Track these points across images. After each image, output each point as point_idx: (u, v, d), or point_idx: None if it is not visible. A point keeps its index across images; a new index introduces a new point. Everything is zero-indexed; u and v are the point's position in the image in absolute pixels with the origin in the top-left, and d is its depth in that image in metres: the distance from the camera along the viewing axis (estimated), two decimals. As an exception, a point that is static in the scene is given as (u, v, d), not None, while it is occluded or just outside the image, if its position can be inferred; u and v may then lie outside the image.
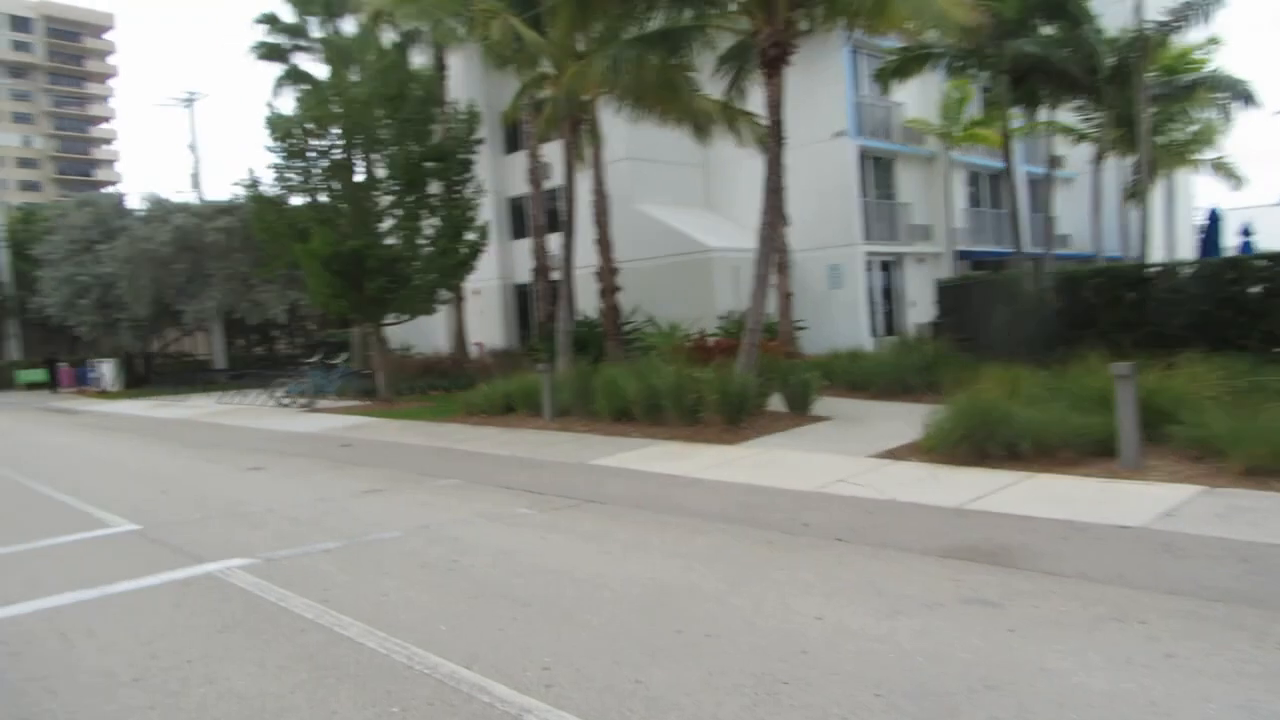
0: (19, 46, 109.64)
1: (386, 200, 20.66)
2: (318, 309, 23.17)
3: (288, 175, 20.47)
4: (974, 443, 9.16)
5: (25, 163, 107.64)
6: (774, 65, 13.51)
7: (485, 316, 29.00)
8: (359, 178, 20.33)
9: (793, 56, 13.70)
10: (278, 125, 20.01)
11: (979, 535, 6.58)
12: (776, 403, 13.67)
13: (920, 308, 24.85)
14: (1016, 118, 24.05)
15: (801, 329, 22.19)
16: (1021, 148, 27.66)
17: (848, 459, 9.97)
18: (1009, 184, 22.63)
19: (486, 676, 4.31)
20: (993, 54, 20.69)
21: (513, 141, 28.62)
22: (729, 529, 7.24)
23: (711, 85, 17.34)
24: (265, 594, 5.92)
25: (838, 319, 24.07)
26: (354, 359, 25.91)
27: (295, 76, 26.43)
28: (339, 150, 20.17)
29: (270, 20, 26.47)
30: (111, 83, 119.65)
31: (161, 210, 32.25)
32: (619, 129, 22.45)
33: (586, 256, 21.44)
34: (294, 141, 20.14)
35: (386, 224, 20.76)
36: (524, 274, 27.78)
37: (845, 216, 24.20)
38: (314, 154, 20.12)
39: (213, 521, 8.54)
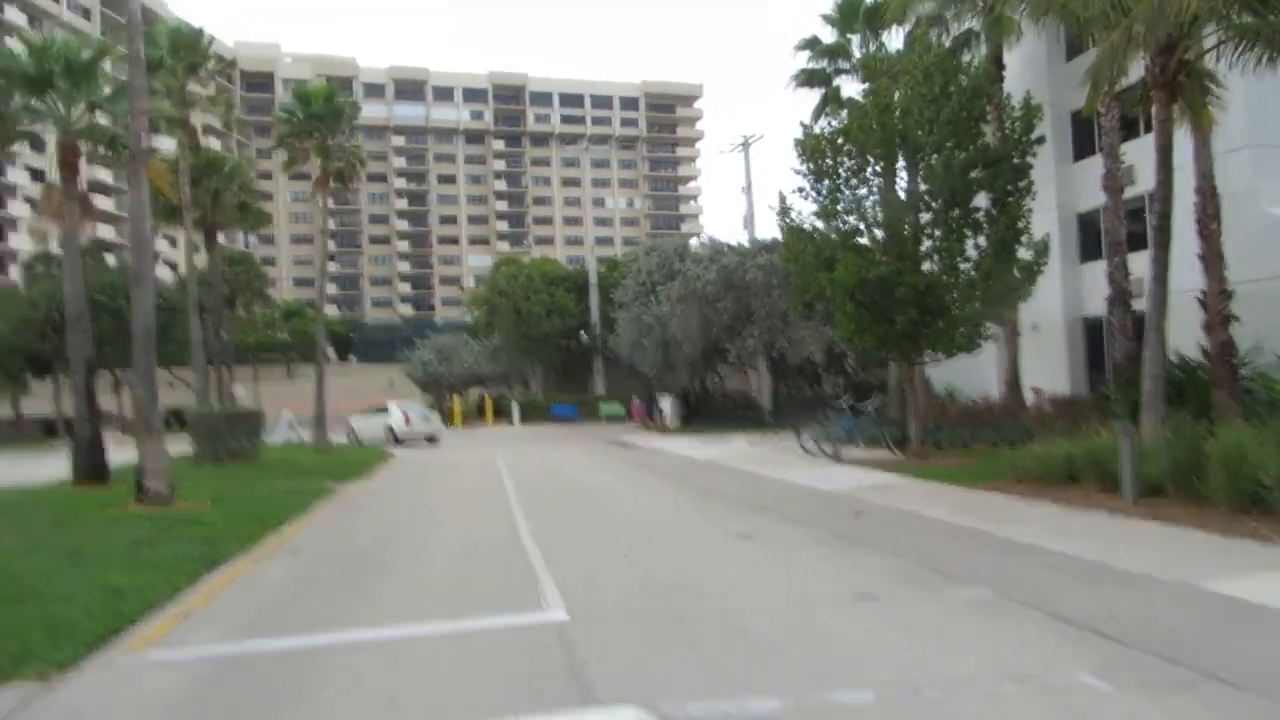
0: (627, 123, 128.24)
1: (924, 219, 17.92)
2: (847, 345, 21.10)
3: (816, 199, 18.80)
4: None
5: (627, 221, 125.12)
6: None
7: (1044, 357, 24.47)
8: (893, 194, 17.88)
9: None
10: (807, 145, 18.46)
11: None
12: None
13: None
14: None
15: None
16: None
17: None
18: None
19: None
20: None
21: (1084, 146, 23.84)
22: None
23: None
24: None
25: None
26: (889, 403, 23.40)
27: (834, 100, 25.04)
28: (871, 165, 17.95)
29: (811, 45, 25.47)
30: (699, 144, 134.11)
31: (711, 251, 33.26)
32: (1235, 104, 16.99)
33: (1184, 278, 16.25)
34: (824, 162, 18.41)
35: (922, 248, 17.98)
36: (1096, 304, 22.80)
37: None
38: (844, 173, 18.15)
39: (648, 621, 6.55)
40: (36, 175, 72.99)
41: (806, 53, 25.76)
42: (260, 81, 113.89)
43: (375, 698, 5.10)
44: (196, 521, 11.66)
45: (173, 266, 78.40)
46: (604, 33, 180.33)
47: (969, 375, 25.67)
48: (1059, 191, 23.88)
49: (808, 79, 25.92)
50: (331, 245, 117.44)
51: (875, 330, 17.44)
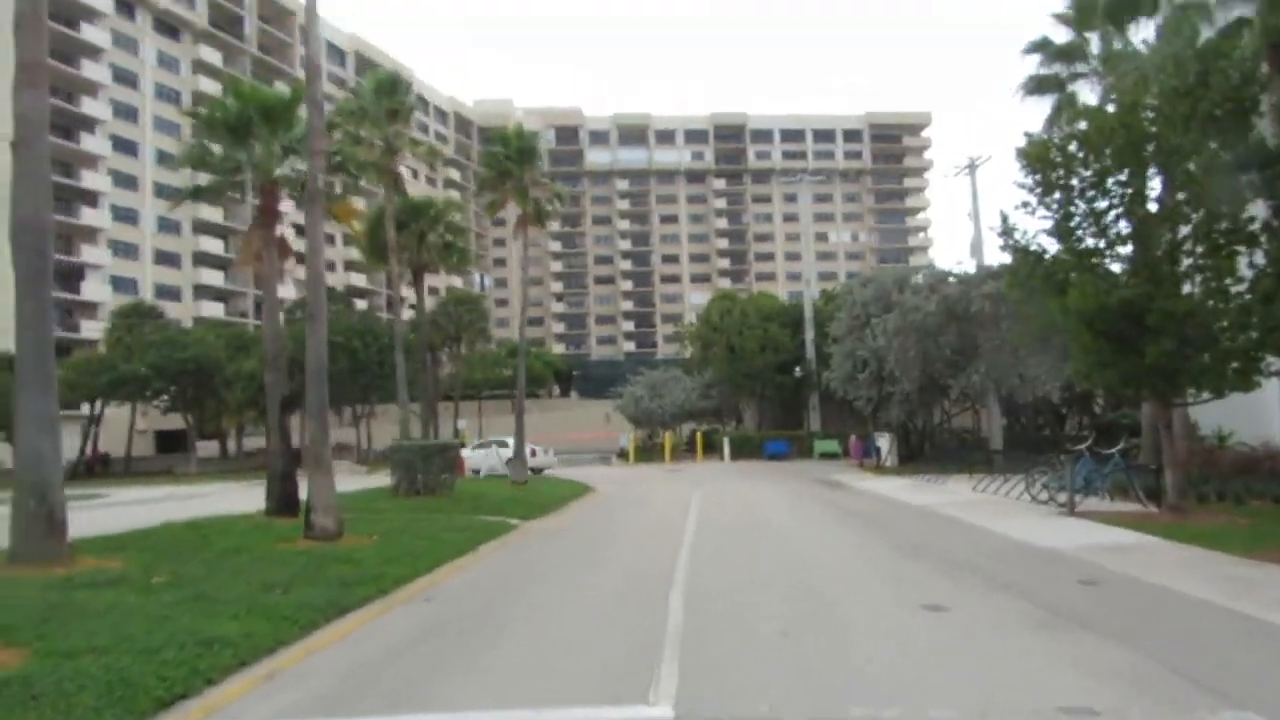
0: (850, 155, 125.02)
1: (1182, 233, 15.14)
2: (1083, 383, 18.32)
3: (1046, 215, 16.42)
4: None
5: (852, 255, 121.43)
6: None
7: (1346, 395, 20.27)
8: (1141, 207, 15.25)
9: None
10: (1031, 154, 16.16)
11: None
12: None
13: None
14: None
15: None
16: None
17: None
18: None
19: None
20: None
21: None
22: None
23: None
24: None
25: None
26: (1142, 447, 20.17)
27: (1067, 106, 22.18)
28: (1114, 175, 15.40)
29: (1041, 46, 22.73)
30: (927, 174, 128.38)
31: (932, 280, 30.76)
32: None
33: None
34: (1054, 174, 16.04)
35: (1180, 267, 15.18)
36: None
37: None
38: (1078, 185, 15.71)
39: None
40: (300, 231, 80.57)
41: (1036, 57, 23.04)
42: (495, 136, 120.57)
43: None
44: (349, 560, 11.26)
45: (414, 308, 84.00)
46: (826, 65, 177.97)
47: (1245, 415, 21.77)
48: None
49: (1037, 86, 23.16)
50: (558, 286, 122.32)
51: (1120, 364, 14.81)
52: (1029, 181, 16.34)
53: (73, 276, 69.43)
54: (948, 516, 16.78)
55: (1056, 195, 16.07)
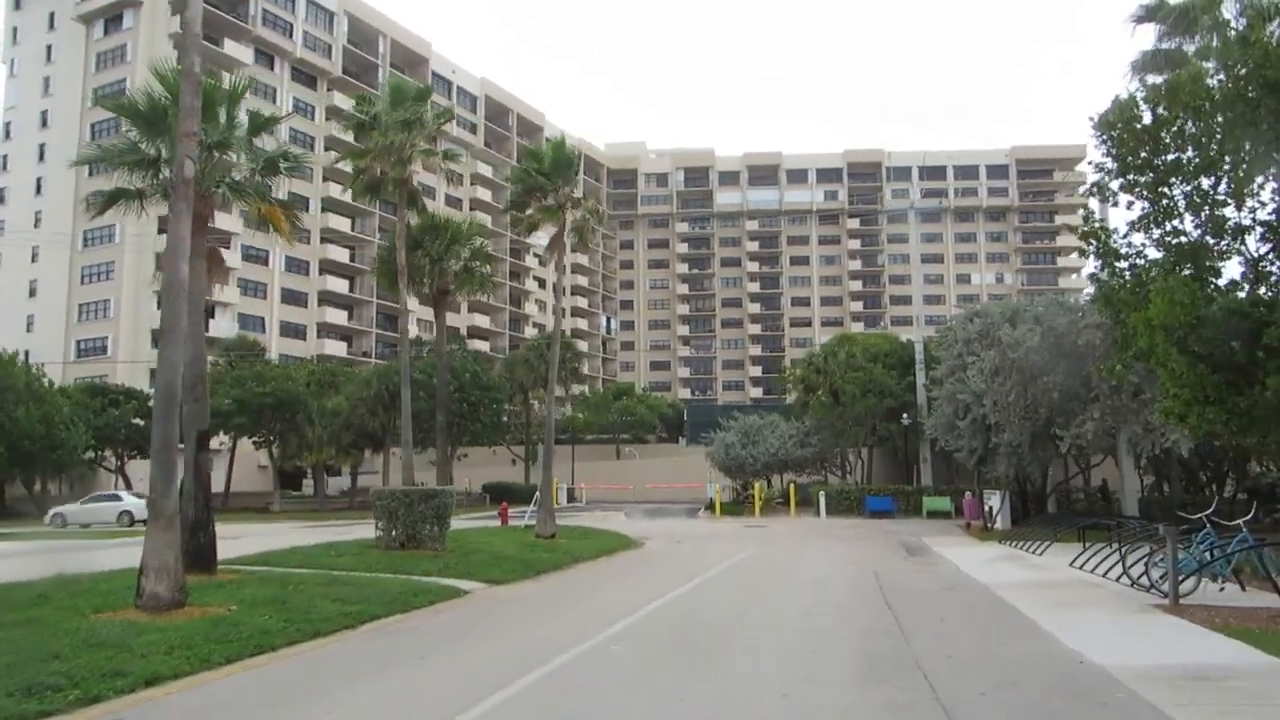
0: (995, 193, 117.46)
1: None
2: (1174, 425, 13.87)
3: (1137, 203, 12.43)
4: None
5: (996, 298, 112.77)
6: None
7: None
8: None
9: None
10: (1107, 122, 12.25)
11: None
12: None
13: None
14: None
15: None
16: None
17: None
18: None
19: None
20: None
21: None
22: None
23: None
24: None
25: None
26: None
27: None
28: (1219, 134, 11.34)
29: (1154, 11, 18.34)
30: (1082, 212, 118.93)
31: (1041, 311, 26.16)
32: None
33: None
34: (1140, 149, 12.07)
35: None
36: None
37: None
38: (1171, 157, 11.70)
39: None
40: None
41: (1151, 28, 18.74)
42: (625, 178, 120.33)
43: None
44: (122, 645, 8.53)
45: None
46: (970, 99, 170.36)
47: None
48: None
49: (1151, 64, 18.80)
50: (684, 329, 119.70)
51: (1226, 400, 10.60)
52: (1107, 161, 12.46)
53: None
54: (1001, 604, 12.68)
55: (1148, 176, 12.11)
